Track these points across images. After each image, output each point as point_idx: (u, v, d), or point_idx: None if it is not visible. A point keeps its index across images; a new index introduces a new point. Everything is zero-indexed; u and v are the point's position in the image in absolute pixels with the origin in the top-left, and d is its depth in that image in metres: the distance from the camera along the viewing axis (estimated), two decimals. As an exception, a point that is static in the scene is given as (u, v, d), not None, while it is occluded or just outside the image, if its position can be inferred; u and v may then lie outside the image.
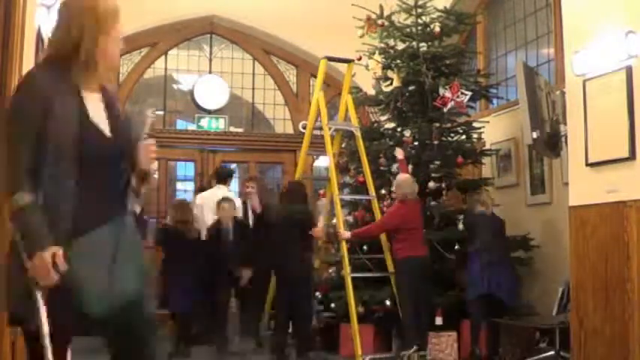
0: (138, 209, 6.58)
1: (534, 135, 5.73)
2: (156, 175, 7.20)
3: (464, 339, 6.12)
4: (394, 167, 6.77)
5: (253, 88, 9.59)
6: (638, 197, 4.15)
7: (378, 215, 6.50)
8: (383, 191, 6.82)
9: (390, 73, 7.19)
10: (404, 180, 6.22)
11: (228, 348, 6.38)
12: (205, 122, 9.21)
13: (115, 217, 2.28)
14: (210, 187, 7.47)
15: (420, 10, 7.18)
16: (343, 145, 7.41)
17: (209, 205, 7.01)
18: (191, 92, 9.26)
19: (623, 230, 4.22)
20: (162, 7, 8.49)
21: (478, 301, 5.89)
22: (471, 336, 5.95)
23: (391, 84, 7.13)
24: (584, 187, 4.62)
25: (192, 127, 9.33)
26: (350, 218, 7.04)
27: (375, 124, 7.76)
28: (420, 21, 7.20)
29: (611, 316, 4.30)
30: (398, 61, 7.15)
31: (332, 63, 7.43)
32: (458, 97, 6.59)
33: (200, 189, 7.94)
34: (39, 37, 3.76)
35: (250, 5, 8.79)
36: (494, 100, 7.84)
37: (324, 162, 7.55)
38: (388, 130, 7.31)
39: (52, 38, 2.36)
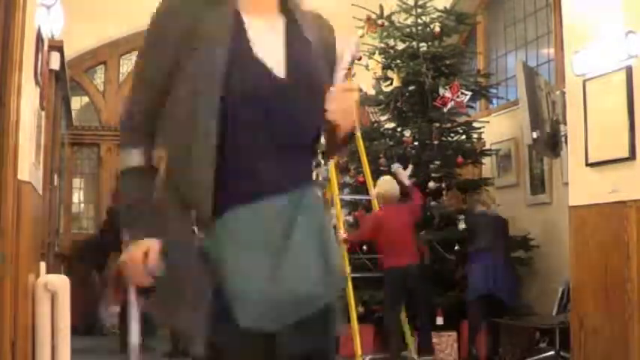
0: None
1: (534, 135, 5.73)
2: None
3: (464, 339, 6.12)
4: (394, 167, 6.76)
5: (253, 88, 9.58)
6: (638, 197, 4.15)
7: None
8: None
9: (390, 73, 7.20)
10: (381, 180, 6.11)
11: None
12: (205, 122, 9.21)
13: (287, 188, 1.57)
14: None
15: (420, 10, 7.18)
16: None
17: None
18: (191, 92, 9.26)
19: (623, 230, 4.22)
20: (163, 7, 8.47)
21: (478, 301, 5.89)
22: (468, 336, 5.95)
23: (391, 84, 7.14)
24: (584, 187, 4.62)
25: (192, 127, 9.32)
26: (350, 218, 7.04)
27: (375, 124, 7.75)
28: (420, 21, 7.21)
29: (611, 316, 4.30)
30: (398, 61, 7.16)
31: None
32: (458, 97, 6.60)
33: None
34: (39, 37, 3.76)
35: (250, 5, 8.78)
36: (494, 100, 7.84)
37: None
38: (388, 130, 7.31)
39: None
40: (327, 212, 6.16)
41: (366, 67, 7.21)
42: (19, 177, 3.15)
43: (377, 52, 7.19)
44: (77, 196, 8.90)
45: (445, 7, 7.33)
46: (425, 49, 7.08)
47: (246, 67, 1.56)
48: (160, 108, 1.60)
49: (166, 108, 1.59)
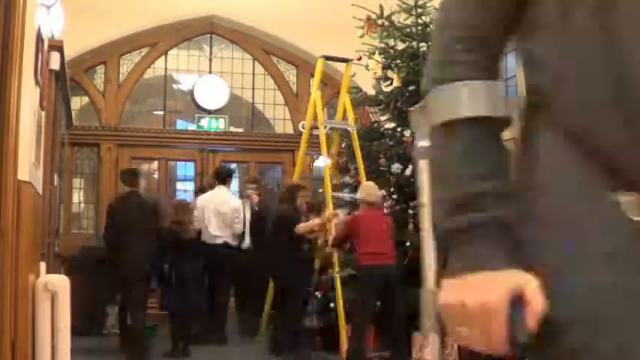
0: None
1: (534, 135, 5.72)
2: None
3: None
4: (394, 167, 6.77)
5: (253, 88, 9.59)
6: (638, 197, 4.15)
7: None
8: (383, 192, 6.81)
9: (390, 73, 7.20)
10: (362, 185, 6.11)
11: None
12: (205, 122, 9.22)
13: None
14: (212, 188, 7.47)
15: (420, 10, 7.18)
16: (343, 145, 7.42)
17: (209, 207, 7.03)
18: (191, 92, 9.27)
19: (623, 230, 4.22)
20: (162, 7, 8.49)
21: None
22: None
23: (391, 84, 7.14)
24: (584, 187, 4.61)
25: (192, 127, 9.33)
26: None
27: (375, 124, 7.76)
28: (420, 21, 7.21)
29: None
30: (398, 61, 7.16)
31: (331, 63, 7.43)
32: (458, 97, 6.60)
33: (200, 189, 7.94)
34: (39, 37, 3.76)
35: (250, 5, 8.80)
36: (494, 100, 7.84)
37: (324, 162, 7.56)
38: (388, 130, 7.31)
39: None
40: None
41: (366, 67, 7.21)
42: (19, 177, 3.15)
43: (377, 52, 7.19)
44: (77, 196, 8.91)
45: (445, 7, 7.33)
46: (425, 49, 7.08)
47: None
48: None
49: None
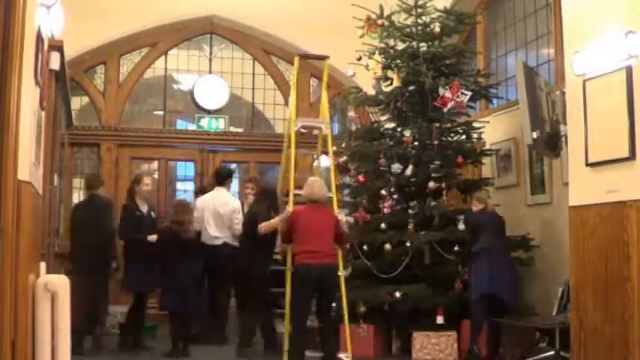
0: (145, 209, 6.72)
1: (534, 135, 5.73)
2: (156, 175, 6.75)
3: (464, 339, 6.12)
4: (394, 167, 6.77)
5: (253, 88, 9.59)
6: (638, 197, 4.15)
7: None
8: (383, 192, 6.81)
9: (390, 73, 7.20)
10: (307, 182, 5.82)
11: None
12: (205, 122, 9.22)
13: None
14: (212, 188, 7.45)
15: (420, 10, 7.18)
16: (343, 145, 7.41)
17: (209, 208, 7.03)
18: (191, 92, 9.27)
19: (623, 230, 4.22)
20: (162, 7, 8.50)
21: (480, 301, 5.89)
22: (470, 335, 5.95)
23: (391, 84, 7.14)
24: (584, 187, 4.61)
25: (192, 127, 9.33)
26: (351, 219, 7.02)
27: (375, 124, 7.76)
28: (420, 21, 7.21)
29: (611, 316, 4.30)
30: (398, 61, 7.16)
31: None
32: (458, 97, 6.59)
33: (200, 189, 7.94)
34: (39, 37, 3.76)
35: (250, 5, 8.80)
36: (494, 100, 7.84)
37: (324, 162, 7.54)
38: (388, 130, 7.31)
39: None
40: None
41: (366, 67, 7.21)
42: (19, 177, 3.15)
43: (377, 52, 7.19)
44: (77, 196, 8.89)
45: (445, 7, 7.33)
46: (425, 49, 7.08)
47: None
48: None
49: None
